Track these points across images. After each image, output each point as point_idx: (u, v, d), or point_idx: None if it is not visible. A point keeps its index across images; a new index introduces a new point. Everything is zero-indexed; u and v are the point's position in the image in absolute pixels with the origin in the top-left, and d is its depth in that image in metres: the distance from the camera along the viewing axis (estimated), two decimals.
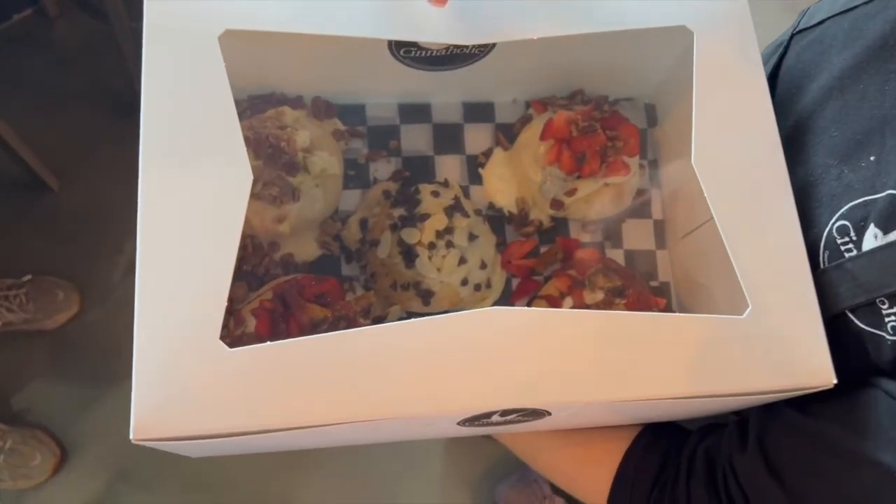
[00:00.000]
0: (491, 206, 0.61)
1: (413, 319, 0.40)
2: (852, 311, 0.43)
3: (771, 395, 0.43)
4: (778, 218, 0.45)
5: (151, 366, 0.38)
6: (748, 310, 0.42)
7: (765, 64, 0.56)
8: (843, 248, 0.44)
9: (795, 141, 0.49)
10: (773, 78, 0.55)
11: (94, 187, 1.41)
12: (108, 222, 1.37)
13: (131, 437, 0.37)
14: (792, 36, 0.55)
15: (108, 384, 1.30)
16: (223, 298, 0.39)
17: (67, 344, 1.32)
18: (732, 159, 0.46)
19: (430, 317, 0.40)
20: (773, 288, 0.43)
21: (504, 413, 0.41)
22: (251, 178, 0.41)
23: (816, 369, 0.42)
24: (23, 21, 1.44)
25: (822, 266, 0.45)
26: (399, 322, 0.39)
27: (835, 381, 0.42)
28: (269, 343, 0.39)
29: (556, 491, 1.22)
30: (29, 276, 1.29)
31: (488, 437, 1.32)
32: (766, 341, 0.42)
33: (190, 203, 0.41)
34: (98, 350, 1.30)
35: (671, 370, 0.41)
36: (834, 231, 0.45)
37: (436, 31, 0.47)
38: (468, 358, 0.40)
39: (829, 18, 0.51)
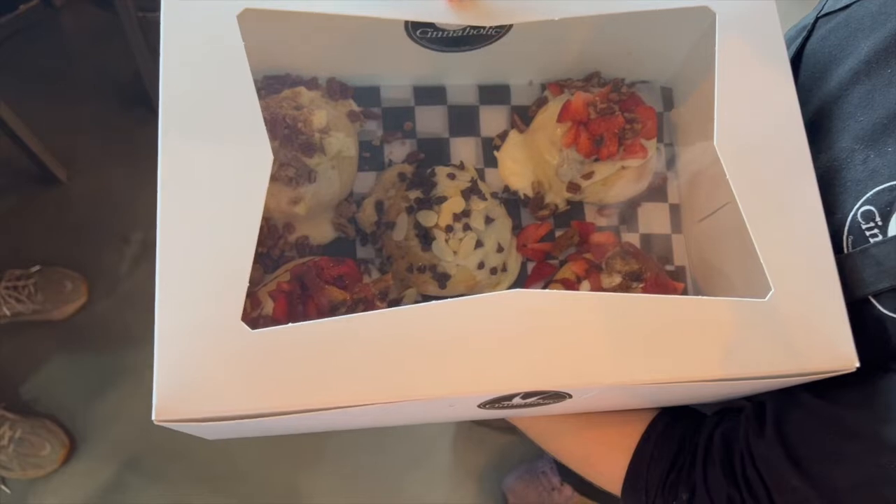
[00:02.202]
0: (506, 189, 0.61)
1: (435, 302, 0.39)
2: (875, 297, 0.43)
3: (793, 379, 0.43)
4: (801, 201, 0.45)
5: (173, 348, 0.38)
6: (771, 292, 0.42)
7: (788, 47, 0.55)
8: (867, 233, 0.44)
9: (820, 125, 0.49)
10: (796, 61, 0.54)
11: (101, 178, 1.40)
12: (115, 213, 1.37)
13: (153, 417, 0.37)
14: (817, 19, 0.54)
15: (116, 374, 1.30)
16: (244, 280, 0.38)
17: (76, 334, 1.32)
18: (755, 141, 0.46)
19: (452, 299, 0.39)
20: (795, 271, 0.43)
21: (526, 395, 0.41)
22: (271, 158, 0.40)
23: (839, 352, 0.42)
24: (29, 12, 1.43)
25: (846, 251, 0.45)
26: (421, 304, 0.39)
27: (857, 364, 0.41)
28: (291, 325, 0.38)
29: (565, 480, 1.23)
30: (38, 267, 1.29)
31: (496, 429, 1.33)
32: (789, 324, 0.42)
33: (210, 184, 0.40)
34: (106, 340, 1.30)
35: (693, 353, 0.41)
36: (859, 216, 0.44)
37: (455, 13, 0.47)
38: (491, 340, 0.39)
39: (856, 2, 0.50)
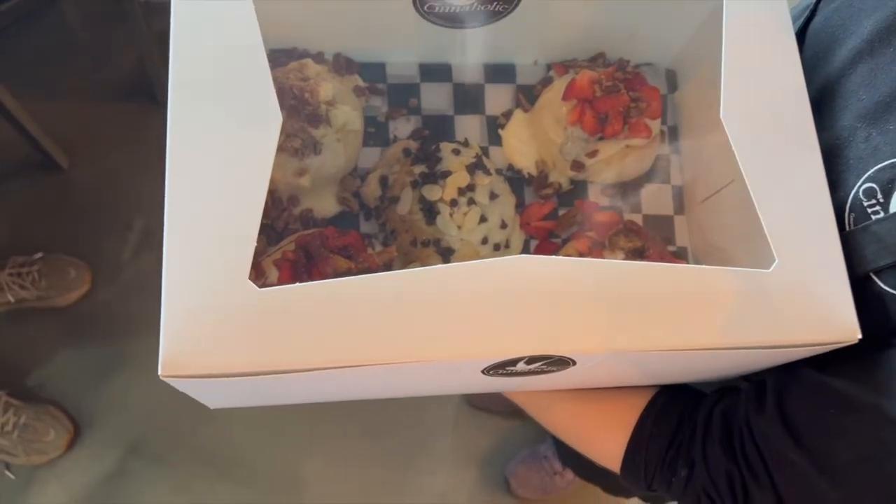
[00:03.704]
0: (510, 167, 0.61)
1: (442, 265, 0.39)
2: (877, 274, 0.43)
3: (795, 350, 0.43)
4: (806, 176, 0.45)
5: (180, 304, 0.38)
6: (775, 263, 0.42)
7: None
8: (869, 210, 0.44)
9: (822, 104, 0.49)
10: (798, 41, 0.55)
11: (103, 165, 1.40)
12: (117, 199, 1.37)
13: (159, 372, 0.37)
14: (818, 1, 0.55)
15: (119, 361, 1.30)
16: (252, 238, 0.38)
17: (79, 321, 1.32)
18: (761, 117, 0.46)
19: (458, 264, 0.40)
20: (799, 243, 0.43)
21: (530, 361, 0.41)
22: (279, 128, 0.41)
23: (842, 324, 0.42)
24: None
25: (848, 228, 0.45)
26: (428, 268, 0.39)
27: (860, 336, 0.42)
28: (298, 284, 0.38)
29: (566, 466, 1.23)
30: (41, 254, 1.29)
31: (497, 414, 1.32)
32: (792, 295, 0.42)
33: (219, 150, 0.40)
34: (110, 326, 1.30)
35: (697, 322, 0.41)
36: (860, 193, 0.45)
37: None
38: (496, 305, 0.39)
39: None
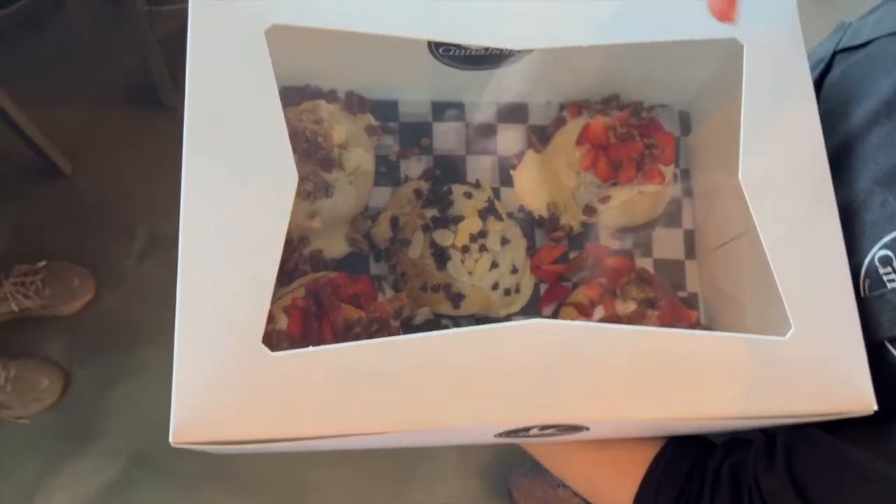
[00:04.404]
0: (521, 209, 0.61)
1: (455, 330, 0.39)
2: (892, 342, 0.43)
3: (808, 418, 0.43)
4: (823, 237, 0.44)
5: (192, 369, 0.37)
6: (791, 331, 0.42)
7: None
8: (885, 277, 0.44)
9: (838, 163, 0.49)
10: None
11: (106, 171, 1.39)
12: (121, 206, 1.36)
13: (170, 440, 0.36)
14: (835, 53, 0.54)
15: (123, 369, 1.29)
16: (266, 303, 0.38)
17: (82, 329, 1.31)
18: (778, 174, 0.46)
19: (472, 328, 0.39)
20: (816, 309, 0.43)
21: (543, 427, 0.41)
22: (296, 182, 0.40)
23: (857, 394, 0.42)
24: (33, 3, 1.42)
25: (862, 294, 0.45)
26: (441, 332, 0.39)
27: (875, 407, 0.41)
28: (310, 349, 0.38)
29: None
30: (44, 262, 1.28)
31: None
32: (808, 364, 0.42)
33: (234, 205, 0.40)
34: (113, 335, 1.28)
35: (711, 390, 0.41)
36: (876, 260, 0.44)
37: (481, 33, 0.46)
38: (510, 370, 0.39)
39: (876, 39, 0.50)
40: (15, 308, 1.25)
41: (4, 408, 1.22)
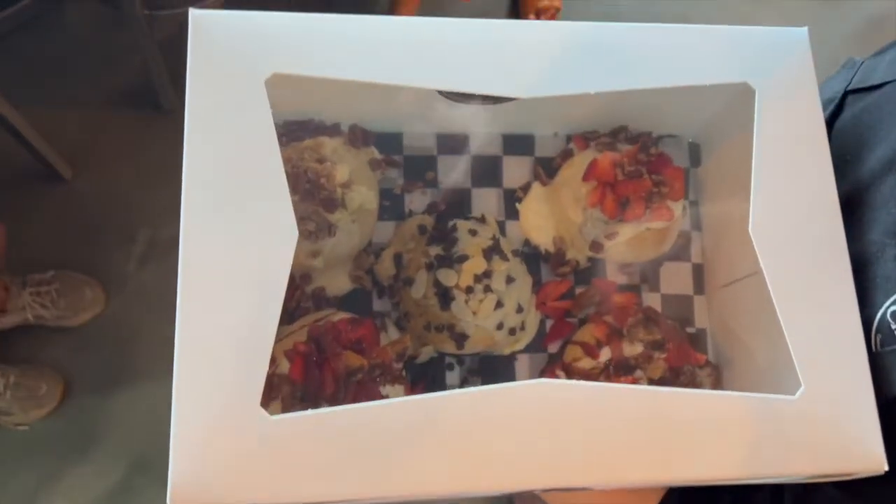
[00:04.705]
0: (527, 242, 0.60)
1: (456, 391, 0.38)
2: None
3: (818, 478, 0.42)
4: (835, 290, 0.43)
5: (189, 431, 0.37)
6: (800, 390, 0.41)
7: None
8: None
9: (850, 213, 0.48)
10: None
11: (106, 175, 1.39)
12: (121, 211, 1.36)
13: (168, 502, 0.36)
14: (846, 93, 0.53)
15: (123, 374, 1.30)
16: (264, 365, 0.38)
17: (81, 334, 1.31)
18: (789, 224, 0.45)
19: (476, 389, 0.39)
20: (826, 367, 0.42)
21: (544, 490, 0.40)
22: (296, 238, 0.40)
23: (869, 455, 0.41)
24: (32, 5, 1.42)
25: (874, 349, 0.44)
26: (439, 394, 0.38)
27: (886, 467, 0.41)
28: (309, 412, 0.38)
29: None
30: (52, 272, 1.28)
31: None
32: (818, 424, 0.41)
33: (232, 261, 0.39)
34: (115, 341, 1.28)
35: (716, 452, 0.40)
36: (888, 315, 0.43)
37: (484, 83, 0.46)
38: (513, 433, 0.39)
39: (888, 83, 0.49)
40: (31, 317, 1.25)
41: (4, 414, 1.23)
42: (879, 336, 0.44)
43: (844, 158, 0.50)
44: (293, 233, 0.40)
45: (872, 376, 0.42)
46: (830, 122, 0.53)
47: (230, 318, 0.38)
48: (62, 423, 1.28)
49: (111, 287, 1.33)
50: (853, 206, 0.48)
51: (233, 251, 0.40)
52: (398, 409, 0.38)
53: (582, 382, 0.40)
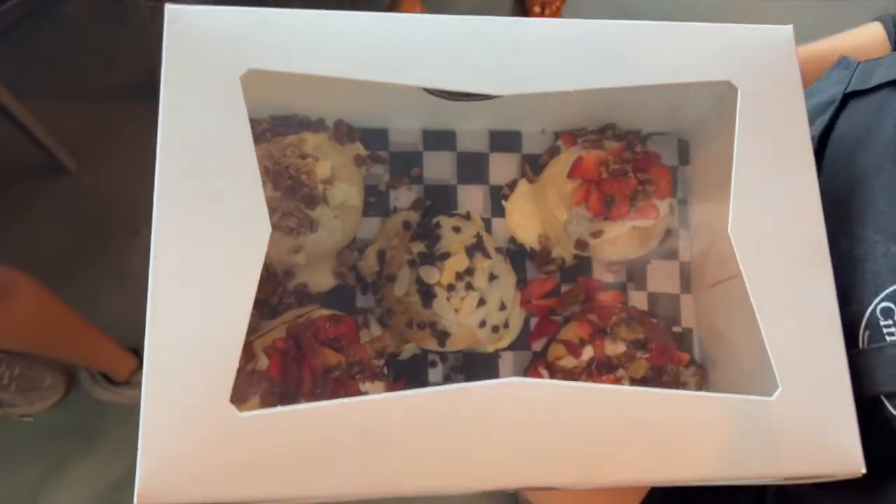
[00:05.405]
0: (512, 240, 0.60)
1: (433, 388, 0.38)
2: (888, 398, 0.42)
3: (795, 480, 0.41)
4: (815, 295, 0.43)
5: (159, 428, 0.37)
6: (778, 391, 0.41)
7: (814, 121, 0.53)
8: (885, 330, 0.42)
9: (843, 209, 0.47)
10: (823, 138, 0.53)
11: (110, 168, 1.39)
12: (124, 204, 1.36)
13: (135, 501, 0.36)
14: (845, 96, 0.52)
15: None
16: (234, 362, 0.37)
17: None
18: (770, 225, 0.44)
19: (449, 387, 0.38)
20: (805, 368, 0.41)
21: (516, 488, 0.40)
22: (268, 233, 0.39)
23: (846, 458, 0.40)
24: None
25: (861, 346, 0.43)
26: (414, 392, 0.38)
27: (864, 470, 0.40)
28: (279, 409, 0.37)
29: None
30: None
31: None
32: (795, 426, 0.40)
33: (205, 255, 0.39)
34: (118, 338, 1.27)
35: (691, 452, 0.40)
36: (878, 312, 0.43)
37: (467, 79, 0.45)
38: (486, 432, 0.38)
39: (887, 84, 0.49)
40: None
41: (9, 405, 1.24)
42: (867, 333, 0.43)
43: (841, 159, 0.50)
44: (266, 226, 0.40)
45: (858, 373, 0.42)
46: (831, 125, 0.53)
47: (201, 313, 0.38)
48: (66, 415, 1.30)
49: (114, 281, 1.33)
50: (846, 204, 0.48)
51: (205, 246, 0.40)
52: (372, 405, 0.38)
53: (558, 382, 0.39)
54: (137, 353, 1.27)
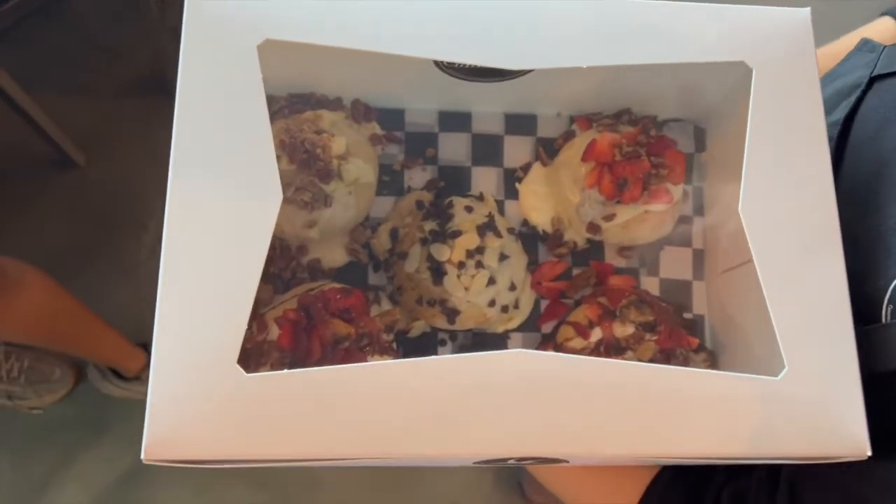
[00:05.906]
0: (525, 222, 0.60)
1: (437, 357, 0.39)
2: None
3: (800, 460, 0.41)
4: (824, 274, 0.43)
5: (168, 385, 0.37)
6: (784, 371, 0.40)
7: (838, 104, 0.53)
8: None
9: (870, 187, 0.47)
10: (849, 120, 0.53)
11: (119, 162, 1.40)
12: (133, 198, 1.37)
13: (142, 457, 0.37)
14: (871, 79, 0.52)
15: None
16: (243, 322, 0.38)
17: None
18: (782, 213, 0.44)
19: (454, 356, 0.39)
20: (812, 349, 0.41)
21: (520, 458, 0.40)
22: (280, 200, 0.40)
23: (852, 439, 0.40)
24: None
25: (884, 320, 0.43)
26: (422, 359, 0.38)
27: (869, 453, 0.40)
28: (287, 371, 0.38)
29: None
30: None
31: None
32: (801, 405, 0.40)
33: (217, 222, 0.40)
34: (124, 327, 1.28)
35: (698, 429, 0.39)
36: None
37: (483, 53, 0.46)
38: (489, 400, 0.39)
39: None
40: None
41: (18, 398, 1.25)
42: (891, 307, 0.43)
43: (867, 138, 0.50)
44: (278, 200, 0.41)
45: (879, 348, 0.42)
46: (856, 107, 0.53)
47: (212, 276, 0.39)
48: (75, 408, 1.31)
49: (123, 274, 1.33)
50: (873, 181, 0.48)
51: (216, 215, 0.40)
52: (378, 370, 0.38)
53: (561, 354, 0.39)
54: (146, 348, 1.28)
